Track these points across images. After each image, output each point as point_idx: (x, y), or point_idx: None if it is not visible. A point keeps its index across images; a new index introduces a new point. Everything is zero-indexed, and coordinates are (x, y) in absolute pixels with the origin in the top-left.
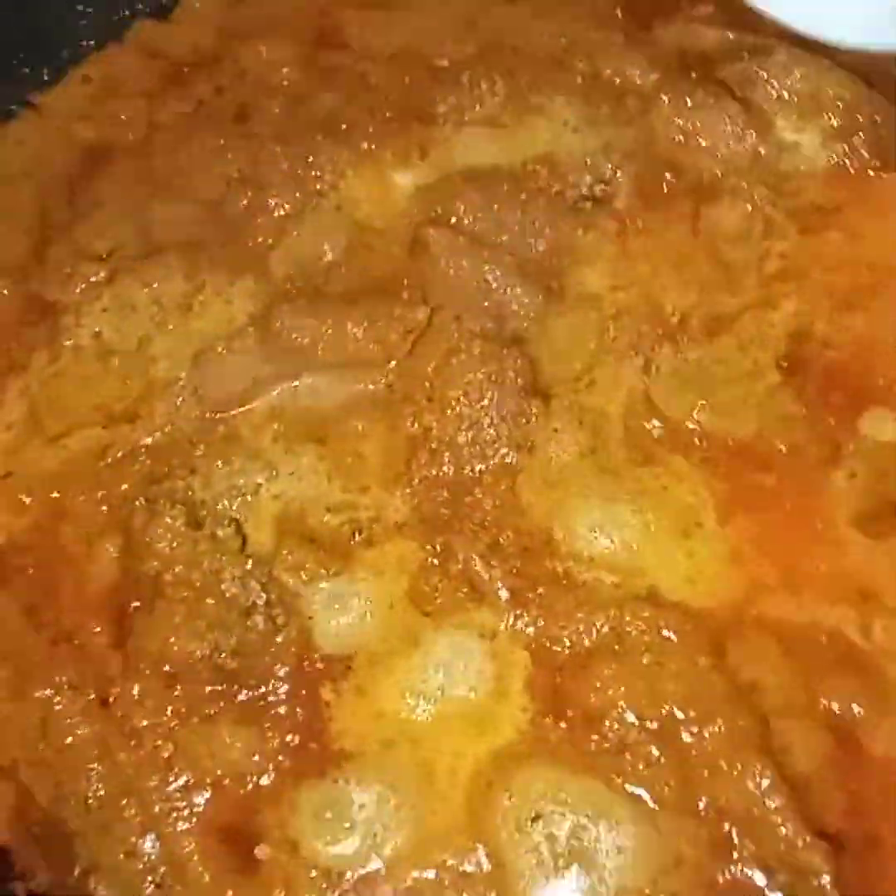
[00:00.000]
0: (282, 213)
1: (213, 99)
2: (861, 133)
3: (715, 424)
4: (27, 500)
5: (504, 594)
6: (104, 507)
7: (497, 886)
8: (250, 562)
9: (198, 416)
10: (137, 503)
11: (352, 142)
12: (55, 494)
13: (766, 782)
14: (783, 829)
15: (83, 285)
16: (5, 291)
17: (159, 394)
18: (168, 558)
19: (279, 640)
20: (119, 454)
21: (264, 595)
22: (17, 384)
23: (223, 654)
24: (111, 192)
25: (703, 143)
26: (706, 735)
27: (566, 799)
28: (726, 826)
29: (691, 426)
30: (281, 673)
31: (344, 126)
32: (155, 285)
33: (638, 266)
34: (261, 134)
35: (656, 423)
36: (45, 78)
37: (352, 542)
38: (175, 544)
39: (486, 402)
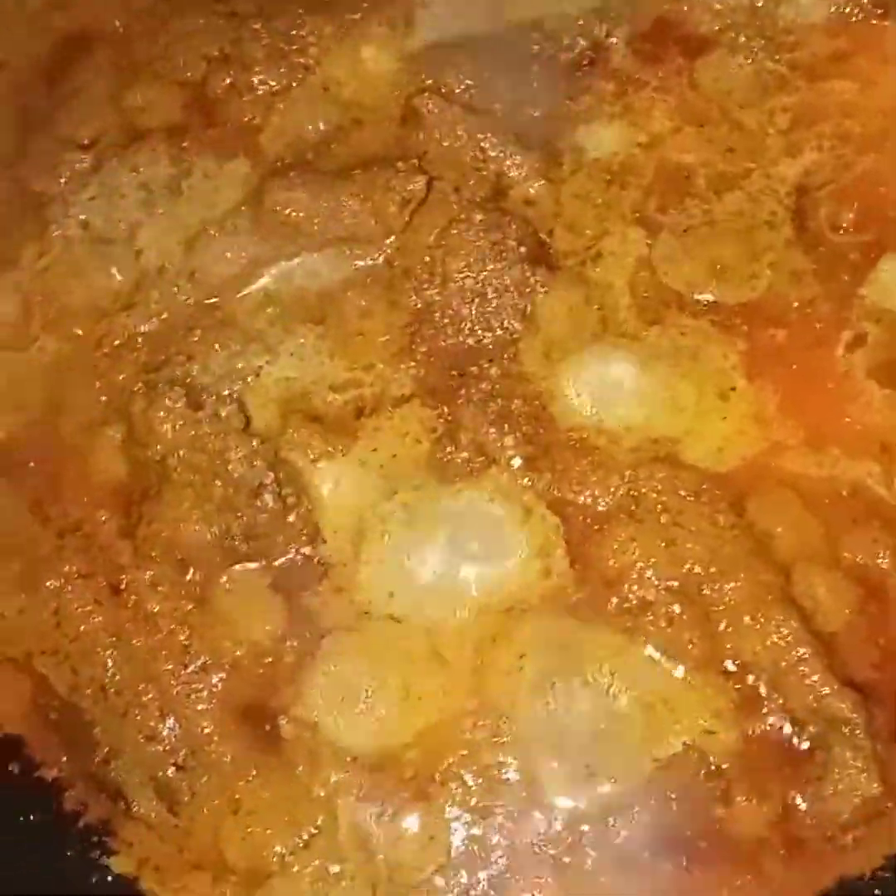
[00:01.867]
0: (267, 90)
1: None
2: None
3: (725, 283)
4: (25, 396)
5: (517, 461)
6: (104, 397)
7: (519, 753)
8: (255, 441)
9: (194, 301)
10: (137, 389)
11: (335, 15)
12: (53, 388)
13: (791, 634)
14: (811, 680)
15: (68, 174)
16: None
17: (153, 281)
18: (171, 442)
19: (291, 519)
20: (115, 343)
21: (272, 474)
22: (9, 280)
23: (235, 538)
24: (91, 80)
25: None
26: (728, 590)
27: (589, 656)
28: (752, 679)
29: (701, 288)
30: (294, 552)
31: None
32: (142, 170)
33: (638, 127)
34: (241, 12)
35: (666, 285)
36: None
37: (359, 420)
38: (178, 426)
39: (488, 272)
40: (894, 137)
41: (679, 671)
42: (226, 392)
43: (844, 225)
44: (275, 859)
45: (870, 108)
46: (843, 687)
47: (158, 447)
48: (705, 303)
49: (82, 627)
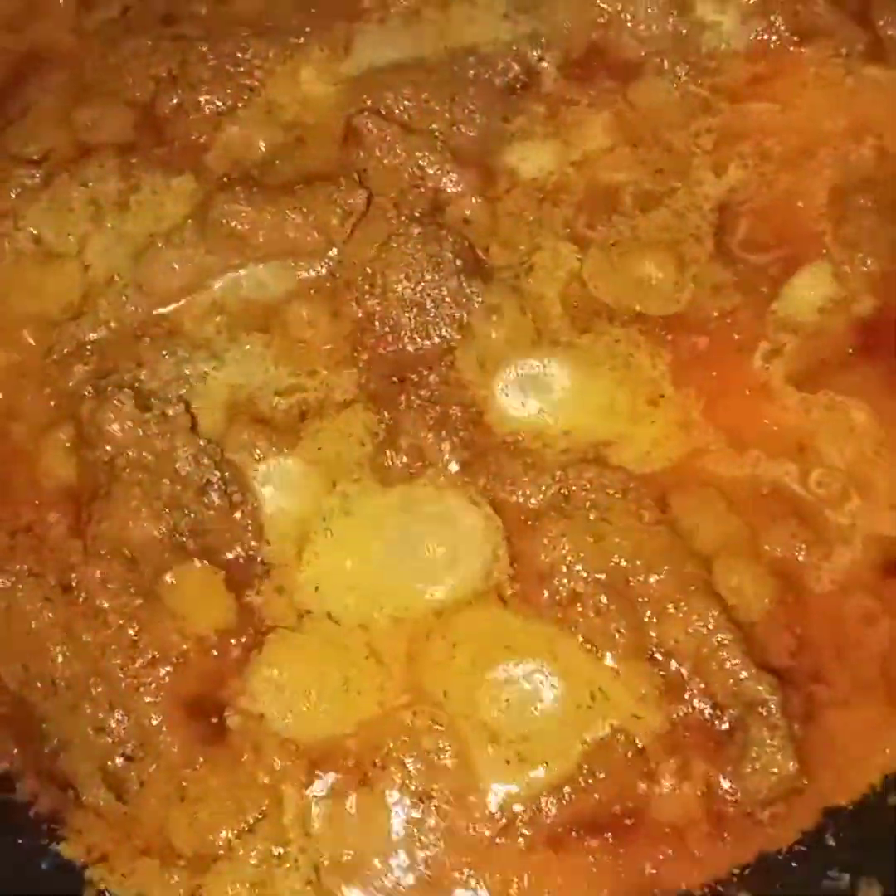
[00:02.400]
0: (214, 110)
1: (138, 3)
2: (778, 10)
3: (651, 296)
4: None
5: (454, 465)
6: (53, 402)
7: (454, 740)
8: (202, 441)
9: (142, 310)
10: (86, 392)
11: (279, 38)
12: (3, 394)
13: (712, 621)
14: (730, 665)
15: (18, 189)
16: None
17: (101, 291)
18: (120, 442)
19: (237, 516)
20: (64, 351)
21: (218, 472)
22: None
23: (183, 534)
24: (41, 99)
25: (627, 25)
26: (652, 582)
27: (522, 646)
28: (676, 665)
29: (629, 300)
30: (239, 549)
31: (270, 23)
32: (90, 185)
33: (568, 148)
34: (189, 35)
35: (596, 298)
36: None
37: (303, 422)
38: (126, 427)
39: (426, 283)
40: (811, 155)
41: (607, 659)
42: (172, 395)
43: (763, 240)
44: (220, 843)
45: (789, 128)
46: (760, 671)
47: (107, 447)
48: (632, 314)
49: (33, 624)
